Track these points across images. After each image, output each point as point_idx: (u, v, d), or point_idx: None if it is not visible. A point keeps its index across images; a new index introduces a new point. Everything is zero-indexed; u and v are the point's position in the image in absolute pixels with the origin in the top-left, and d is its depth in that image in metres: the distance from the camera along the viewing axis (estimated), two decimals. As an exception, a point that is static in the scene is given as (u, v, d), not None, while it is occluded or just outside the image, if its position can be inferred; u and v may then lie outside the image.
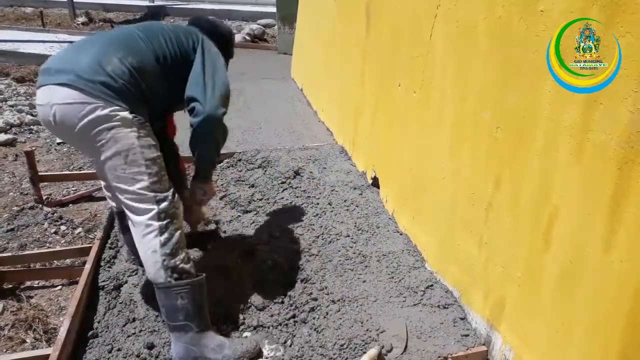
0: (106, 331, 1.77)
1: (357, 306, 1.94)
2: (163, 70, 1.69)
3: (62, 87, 1.49)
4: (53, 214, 2.68)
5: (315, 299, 1.94)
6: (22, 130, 3.96)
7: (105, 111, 1.49)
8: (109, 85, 1.51)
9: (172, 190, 1.63)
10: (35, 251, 2.26)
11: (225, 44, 1.98)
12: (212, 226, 2.39)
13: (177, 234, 1.60)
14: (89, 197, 2.95)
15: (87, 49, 1.59)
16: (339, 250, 2.29)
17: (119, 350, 1.69)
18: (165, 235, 1.57)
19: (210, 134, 1.70)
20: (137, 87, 1.58)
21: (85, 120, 1.49)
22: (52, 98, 1.50)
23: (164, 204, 1.58)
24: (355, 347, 1.73)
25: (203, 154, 1.77)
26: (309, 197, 2.77)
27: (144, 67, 1.62)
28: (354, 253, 2.27)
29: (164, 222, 1.57)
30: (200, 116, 1.64)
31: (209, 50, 1.79)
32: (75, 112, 1.49)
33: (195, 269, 1.65)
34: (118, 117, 1.51)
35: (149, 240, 1.56)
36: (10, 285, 2.15)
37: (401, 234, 2.47)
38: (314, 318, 1.85)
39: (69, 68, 1.52)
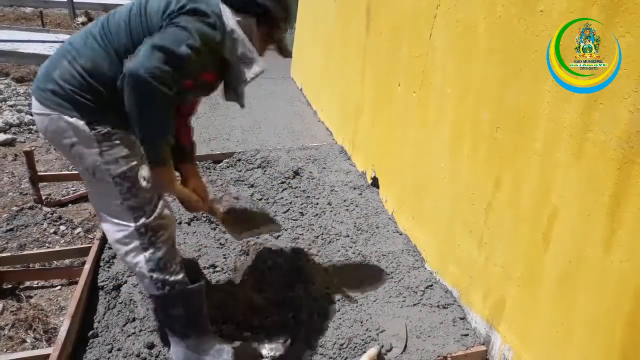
0: (106, 331, 1.77)
1: (356, 306, 1.94)
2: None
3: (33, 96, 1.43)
4: (52, 214, 2.68)
5: (315, 299, 1.94)
6: (21, 130, 3.96)
7: (61, 123, 1.37)
8: (56, 93, 1.37)
9: (153, 201, 1.48)
10: (35, 251, 2.26)
11: (262, 9, 1.47)
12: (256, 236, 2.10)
13: (164, 247, 1.49)
14: (88, 197, 2.95)
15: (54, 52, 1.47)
16: (339, 251, 2.29)
17: (119, 350, 1.69)
18: (150, 250, 1.46)
19: (129, 97, 1.30)
20: (92, 93, 1.38)
21: (48, 133, 1.42)
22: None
23: (142, 220, 1.45)
24: (355, 347, 1.73)
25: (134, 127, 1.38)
26: (309, 197, 2.76)
27: (97, 67, 1.38)
28: (354, 253, 2.27)
29: (146, 237, 1.46)
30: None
31: (178, 24, 1.35)
32: (39, 124, 1.43)
33: (188, 277, 1.56)
34: (73, 130, 1.37)
35: (131, 259, 1.47)
36: (10, 285, 2.15)
37: (401, 234, 2.47)
38: (313, 318, 1.85)
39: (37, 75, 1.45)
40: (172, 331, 1.57)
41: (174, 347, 1.58)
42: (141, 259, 1.46)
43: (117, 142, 1.42)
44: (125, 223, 1.45)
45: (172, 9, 1.39)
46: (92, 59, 1.38)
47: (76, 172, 3.08)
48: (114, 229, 1.47)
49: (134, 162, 1.45)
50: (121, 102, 1.33)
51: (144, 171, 1.47)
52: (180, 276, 1.53)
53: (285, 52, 1.62)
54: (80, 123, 1.37)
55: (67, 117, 1.36)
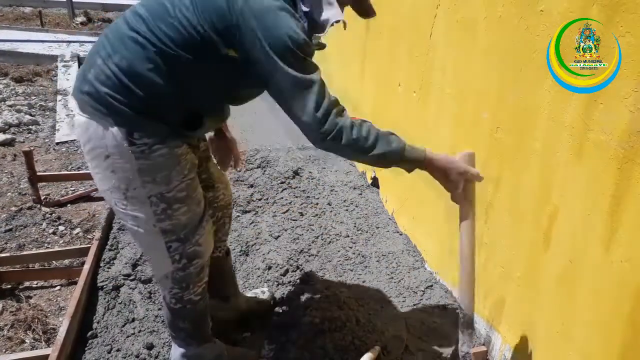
0: (105, 331, 1.76)
1: (356, 306, 1.93)
2: (170, 66, 1.18)
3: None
4: (51, 214, 2.67)
5: (315, 300, 1.94)
6: (20, 130, 3.95)
7: (98, 131, 1.20)
8: (92, 95, 1.20)
9: (190, 226, 1.33)
10: (34, 251, 2.26)
11: None
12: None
13: (194, 271, 1.38)
14: (87, 197, 2.94)
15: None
16: (339, 251, 2.28)
17: (118, 350, 1.68)
18: (180, 271, 1.36)
19: (339, 151, 1.27)
20: (129, 96, 1.18)
21: (83, 139, 1.25)
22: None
23: (175, 245, 1.32)
24: (355, 348, 1.72)
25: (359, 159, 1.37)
26: (309, 197, 2.76)
27: (134, 66, 1.17)
28: (354, 253, 2.27)
29: (180, 264, 1.35)
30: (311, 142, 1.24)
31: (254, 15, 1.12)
32: (77, 128, 1.27)
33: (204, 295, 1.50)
34: (110, 141, 1.20)
35: (159, 263, 1.36)
36: (9, 286, 2.14)
37: (401, 234, 2.47)
38: (313, 318, 1.85)
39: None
40: (175, 336, 1.57)
41: (175, 349, 1.59)
42: (168, 268, 1.37)
43: (158, 159, 1.24)
44: (156, 246, 1.32)
45: None
46: (127, 56, 1.17)
47: (75, 172, 3.08)
48: (145, 249, 1.41)
49: (174, 183, 1.28)
50: (165, 108, 1.21)
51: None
52: (198, 298, 1.46)
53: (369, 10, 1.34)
54: (119, 135, 1.19)
55: (104, 126, 1.19)
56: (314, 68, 1.19)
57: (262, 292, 1.94)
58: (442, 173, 1.32)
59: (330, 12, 1.20)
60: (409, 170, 1.33)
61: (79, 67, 5.66)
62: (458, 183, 1.31)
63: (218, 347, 1.61)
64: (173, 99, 1.23)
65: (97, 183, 1.32)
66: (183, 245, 1.33)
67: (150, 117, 1.21)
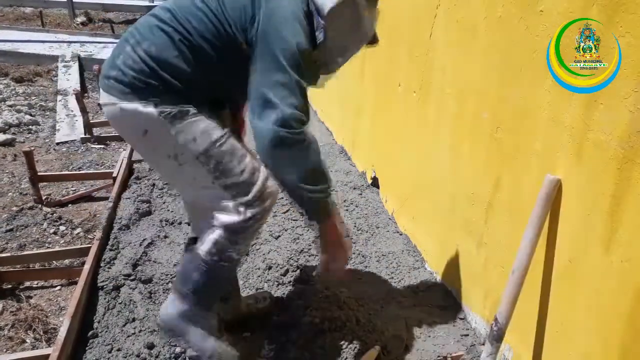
0: (106, 331, 1.77)
1: (356, 307, 1.93)
2: (195, 54, 1.28)
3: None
4: (52, 214, 2.68)
5: (315, 300, 1.94)
6: (21, 130, 3.96)
7: (129, 111, 1.27)
8: (119, 80, 1.27)
9: (250, 177, 1.31)
10: (35, 251, 2.26)
11: None
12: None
13: (257, 227, 1.36)
14: (88, 198, 2.95)
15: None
16: (339, 250, 2.28)
17: (118, 350, 1.69)
18: (243, 222, 1.31)
19: (270, 159, 1.29)
20: (157, 79, 1.27)
21: (117, 123, 1.33)
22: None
23: (240, 198, 1.30)
24: (355, 348, 1.73)
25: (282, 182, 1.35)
26: (309, 197, 2.76)
27: (161, 52, 1.26)
28: (354, 253, 2.27)
29: (246, 216, 1.31)
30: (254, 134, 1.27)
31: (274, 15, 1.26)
32: (108, 115, 1.34)
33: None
34: (143, 117, 1.26)
35: (225, 214, 1.31)
36: (10, 286, 2.14)
37: (401, 234, 2.47)
38: (313, 318, 1.85)
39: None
40: (176, 289, 1.44)
41: (166, 305, 1.45)
42: (228, 220, 1.32)
43: (192, 119, 1.28)
44: (221, 202, 1.31)
45: None
46: (155, 42, 1.27)
47: (76, 172, 3.09)
48: (210, 209, 1.33)
49: (214, 138, 1.29)
50: (190, 91, 1.27)
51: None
52: (237, 257, 1.39)
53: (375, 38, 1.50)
54: (149, 108, 1.25)
55: (133, 104, 1.25)
56: (307, 80, 1.29)
57: (263, 299, 1.90)
58: (338, 238, 1.45)
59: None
60: (314, 214, 1.40)
61: (79, 67, 5.66)
62: (341, 255, 1.48)
63: (210, 328, 1.46)
64: (197, 84, 1.31)
65: (151, 164, 1.38)
66: (247, 198, 1.31)
67: (177, 92, 1.28)
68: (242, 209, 1.32)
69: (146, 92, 1.25)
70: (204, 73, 1.31)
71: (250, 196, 1.31)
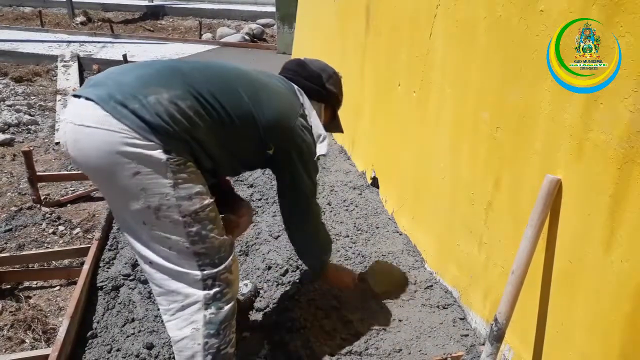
0: (105, 331, 1.76)
1: (356, 307, 1.93)
2: (219, 129, 1.27)
3: (88, 103, 1.15)
4: (51, 214, 2.67)
5: (315, 300, 1.94)
6: (20, 130, 3.95)
7: (131, 145, 1.12)
8: (141, 116, 1.13)
9: (224, 249, 1.27)
10: (34, 251, 2.26)
11: (328, 97, 1.64)
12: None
13: (227, 308, 1.27)
14: (87, 197, 2.94)
15: (145, 69, 1.25)
16: (339, 251, 2.28)
17: (118, 350, 1.68)
18: (211, 310, 1.24)
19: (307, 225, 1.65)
20: (180, 128, 1.18)
21: (104, 154, 1.14)
22: (74, 115, 1.17)
23: (209, 270, 1.23)
24: (355, 348, 1.72)
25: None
26: (308, 197, 2.76)
27: (191, 115, 1.20)
28: (354, 253, 2.26)
29: (212, 291, 1.24)
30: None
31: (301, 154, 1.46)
32: (92, 141, 1.14)
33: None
34: (147, 156, 1.13)
35: (188, 316, 1.23)
36: (9, 286, 2.14)
37: (401, 234, 2.47)
38: (313, 319, 1.85)
39: (107, 83, 1.19)
40: None
41: None
42: (199, 318, 1.24)
43: (193, 175, 1.21)
44: (187, 271, 1.22)
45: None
46: (190, 106, 1.20)
47: (75, 172, 3.08)
48: (170, 277, 1.23)
49: (206, 202, 1.23)
50: (202, 135, 1.22)
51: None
52: (232, 350, 1.33)
53: (340, 127, 1.80)
54: (156, 150, 1.14)
55: (143, 141, 1.12)
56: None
57: (244, 285, 1.95)
58: (336, 277, 1.89)
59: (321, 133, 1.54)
60: (317, 272, 1.81)
61: (79, 67, 5.66)
62: (348, 280, 1.93)
63: None
64: (209, 152, 1.28)
65: (117, 209, 1.24)
66: (216, 270, 1.25)
67: (188, 139, 1.21)
68: (209, 282, 1.24)
69: (165, 134, 1.15)
70: (219, 146, 1.29)
71: (218, 269, 1.26)
